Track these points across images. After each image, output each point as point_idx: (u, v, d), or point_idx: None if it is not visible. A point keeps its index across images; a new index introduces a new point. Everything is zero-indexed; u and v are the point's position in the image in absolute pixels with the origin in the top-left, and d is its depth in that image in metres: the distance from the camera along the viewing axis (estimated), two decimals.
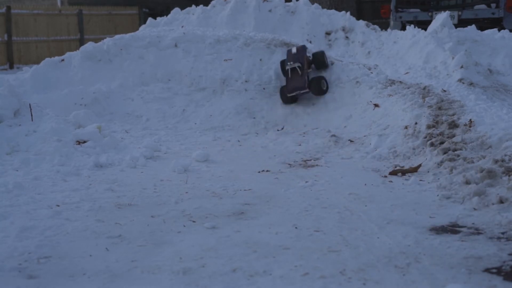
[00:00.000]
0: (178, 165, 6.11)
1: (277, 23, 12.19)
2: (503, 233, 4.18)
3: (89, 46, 9.98)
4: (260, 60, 9.50)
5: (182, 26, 11.25)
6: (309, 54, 8.99)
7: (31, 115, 6.84)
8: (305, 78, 8.67)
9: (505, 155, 5.35)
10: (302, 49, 8.90)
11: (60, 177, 5.71)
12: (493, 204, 4.66)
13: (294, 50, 8.90)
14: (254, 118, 8.66)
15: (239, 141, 7.74)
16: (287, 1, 12.89)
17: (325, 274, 3.55)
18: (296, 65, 8.75)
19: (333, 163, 6.44)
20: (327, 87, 8.71)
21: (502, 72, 9.85)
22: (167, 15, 12.73)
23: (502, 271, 3.57)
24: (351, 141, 7.28)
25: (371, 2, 23.47)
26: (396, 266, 3.64)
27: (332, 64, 8.97)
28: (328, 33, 12.19)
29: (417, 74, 9.39)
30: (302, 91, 8.64)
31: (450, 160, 5.77)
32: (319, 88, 8.62)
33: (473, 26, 11.05)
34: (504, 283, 3.42)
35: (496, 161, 5.26)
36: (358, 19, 12.81)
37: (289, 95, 8.71)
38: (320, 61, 8.91)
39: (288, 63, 8.83)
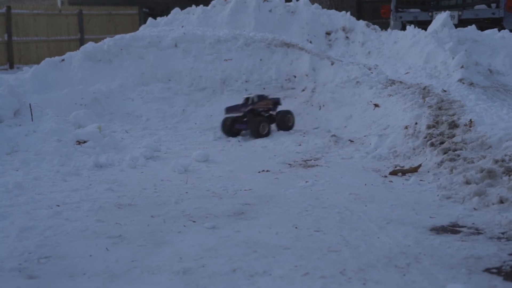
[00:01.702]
0: (178, 165, 6.11)
1: (277, 23, 12.18)
2: (503, 233, 4.17)
3: (89, 46, 9.98)
4: (260, 60, 9.50)
5: (182, 26, 11.25)
6: (273, 111, 8.14)
7: (31, 115, 6.84)
8: (249, 109, 7.94)
9: (505, 155, 5.35)
10: (275, 99, 8.23)
11: (60, 177, 5.71)
12: (493, 204, 4.66)
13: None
14: None
15: (239, 141, 7.74)
16: (287, 1, 12.88)
17: (325, 274, 3.54)
18: (254, 95, 8.10)
19: (333, 163, 6.44)
20: (268, 132, 7.84)
21: (502, 72, 9.85)
22: (167, 15, 12.73)
23: (502, 271, 3.57)
24: (351, 141, 7.28)
25: (371, 2, 23.47)
26: (396, 266, 3.64)
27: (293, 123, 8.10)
28: (328, 33, 12.19)
29: (417, 74, 9.38)
30: (236, 114, 7.95)
31: (450, 160, 5.77)
32: (256, 129, 7.78)
33: (473, 26, 11.05)
34: (504, 283, 3.42)
35: (496, 161, 5.26)
36: (358, 19, 12.80)
37: (226, 114, 8.00)
38: (283, 121, 8.07)
39: (250, 94, 8.34)
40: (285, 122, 8.06)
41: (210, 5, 12.63)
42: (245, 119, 7.96)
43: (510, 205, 4.58)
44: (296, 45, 9.72)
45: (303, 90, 9.07)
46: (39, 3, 24.48)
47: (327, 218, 4.55)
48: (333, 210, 4.75)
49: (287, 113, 8.11)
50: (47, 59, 9.93)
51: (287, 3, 12.58)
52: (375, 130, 7.35)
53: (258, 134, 7.77)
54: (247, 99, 8.04)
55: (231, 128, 7.95)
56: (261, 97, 8.10)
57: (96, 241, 4.13)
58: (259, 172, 6.09)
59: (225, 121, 8.02)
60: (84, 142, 6.66)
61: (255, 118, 7.89)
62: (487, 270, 3.58)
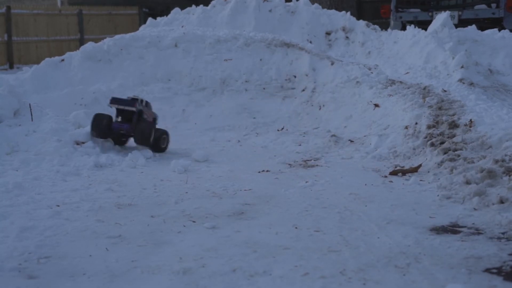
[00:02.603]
0: (178, 165, 6.11)
1: (277, 23, 12.19)
2: (503, 233, 4.18)
3: (89, 46, 9.98)
4: (260, 60, 9.50)
5: (182, 26, 11.25)
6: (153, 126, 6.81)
7: (31, 115, 6.84)
8: (140, 110, 6.75)
9: (505, 155, 5.35)
10: (155, 115, 7.03)
11: (60, 177, 5.70)
12: (493, 204, 4.66)
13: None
14: (254, 118, 8.65)
15: (239, 141, 7.73)
16: (287, 1, 12.89)
17: (325, 274, 3.54)
18: (141, 97, 6.90)
19: (333, 163, 6.44)
20: (164, 148, 6.80)
21: (502, 72, 9.85)
22: (167, 15, 12.74)
23: (502, 271, 3.57)
24: (351, 141, 7.28)
25: (371, 2, 23.48)
26: (396, 266, 3.64)
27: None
28: (328, 33, 12.20)
29: (417, 74, 9.39)
30: (127, 107, 6.65)
31: (451, 160, 5.77)
32: (145, 135, 6.54)
33: (473, 26, 11.06)
34: (504, 283, 3.42)
35: (496, 161, 5.26)
36: (358, 19, 12.81)
37: (110, 104, 6.74)
38: (158, 141, 6.77)
39: (137, 96, 6.97)
40: (160, 142, 6.82)
41: (210, 5, 12.63)
42: (129, 123, 6.66)
43: (510, 205, 4.59)
44: (296, 45, 9.72)
45: (303, 90, 9.07)
46: (39, 3, 24.48)
47: (327, 218, 4.55)
48: (333, 210, 4.75)
49: (163, 133, 6.87)
50: (47, 59, 9.92)
51: (287, 3, 12.58)
52: (375, 130, 7.35)
53: (158, 147, 6.71)
54: (135, 100, 6.75)
55: (108, 128, 6.61)
56: (148, 105, 6.92)
57: (96, 241, 4.13)
58: (259, 172, 6.09)
59: (100, 118, 6.60)
60: (84, 142, 6.65)
61: (151, 126, 6.61)
62: (487, 270, 3.58)
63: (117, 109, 6.75)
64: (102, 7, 23.05)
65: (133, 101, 6.73)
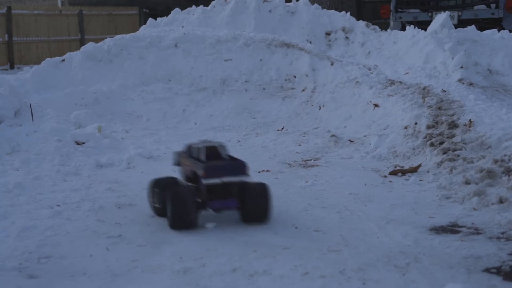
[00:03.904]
0: None
1: (277, 23, 12.21)
2: (502, 233, 4.18)
3: (89, 46, 10.00)
4: (260, 60, 9.52)
5: (183, 27, 11.27)
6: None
7: (32, 115, 6.85)
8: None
9: (505, 155, 5.37)
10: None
11: (60, 177, 5.71)
12: (492, 204, 4.67)
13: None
14: (254, 118, 8.67)
15: (239, 141, 7.74)
16: (287, 2, 12.90)
17: (325, 273, 3.55)
18: (219, 144, 4.51)
19: (333, 163, 6.45)
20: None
21: (502, 72, 9.87)
22: (167, 15, 12.76)
23: (501, 271, 3.58)
24: (351, 141, 7.28)
25: (371, 2, 23.50)
26: (395, 266, 3.65)
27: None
28: (328, 34, 12.21)
29: (417, 74, 9.40)
30: (239, 177, 4.33)
31: (450, 160, 5.78)
32: (263, 209, 4.36)
33: (473, 26, 11.08)
34: (503, 283, 3.43)
35: (495, 161, 5.27)
36: (358, 19, 12.83)
37: (205, 181, 4.25)
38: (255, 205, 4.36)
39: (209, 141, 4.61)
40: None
41: (210, 6, 12.66)
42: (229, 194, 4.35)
43: (509, 205, 4.60)
44: (296, 45, 9.73)
45: (303, 90, 9.08)
46: (40, 4, 24.49)
47: (326, 218, 4.56)
48: (333, 210, 4.76)
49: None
50: (47, 59, 9.95)
51: (287, 4, 12.60)
52: (375, 130, 7.36)
53: (263, 215, 4.39)
54: (214, 147, 4.46)
55: (200, 208, 4.32)
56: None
57: (96, 241, 4.14)
58: (259, 172, 6.09)
59: (184, 203, 4.20)
60: (83, 142, 6.67)
61: (268, 192, 4.39)
62: (487, 270, 3.59)
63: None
64: (103, 7, 23.06)
65: (239, 163, 4.41)
